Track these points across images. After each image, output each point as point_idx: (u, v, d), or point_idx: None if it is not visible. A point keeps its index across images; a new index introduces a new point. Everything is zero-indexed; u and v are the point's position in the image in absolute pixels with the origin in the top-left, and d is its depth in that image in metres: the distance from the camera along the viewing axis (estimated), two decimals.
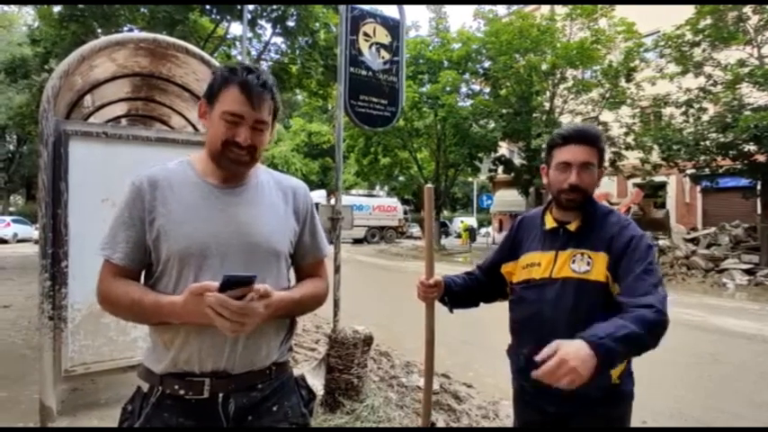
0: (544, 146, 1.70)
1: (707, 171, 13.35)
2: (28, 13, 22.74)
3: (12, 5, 25.26)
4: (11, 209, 31.59)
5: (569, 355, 1.06)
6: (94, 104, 4.54)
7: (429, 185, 1.68)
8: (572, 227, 1.48)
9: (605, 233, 1.42)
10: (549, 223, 1.54)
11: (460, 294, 1.67)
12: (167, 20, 10.72)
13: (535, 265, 1.50)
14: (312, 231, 1.32)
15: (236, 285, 0.96)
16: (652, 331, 1.17)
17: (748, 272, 11.11)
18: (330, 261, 1.45)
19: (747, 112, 11.44)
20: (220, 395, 1.12)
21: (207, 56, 3.34)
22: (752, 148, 11.57)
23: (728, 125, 11.54)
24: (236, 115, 1.11)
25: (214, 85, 1.14)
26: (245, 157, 1.14)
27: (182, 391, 1.11)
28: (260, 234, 1.17)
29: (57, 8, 11.75)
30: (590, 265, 1.40)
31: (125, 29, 11.41)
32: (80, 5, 10.85)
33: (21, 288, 8.64)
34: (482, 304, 1.76)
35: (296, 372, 1.35)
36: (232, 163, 1.15)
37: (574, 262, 1.43)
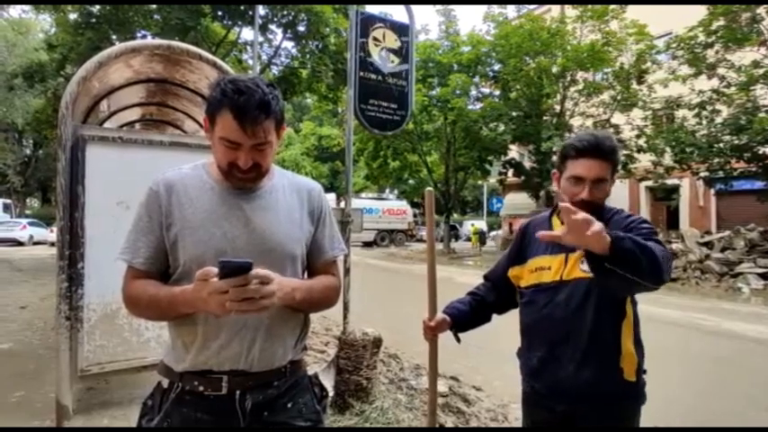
0: (555, 148, 1.70)
1: (721, 174, 13.20)
2: (45, 20, 23.18)
3: (26, 10, 25.80)
4: (27, 212, 32.13)
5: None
6: (110, 109, 4.63)
7: (429, 189, 1.64)
8: None
9: (612, 230, 1.43)
10: (558, 227, 1.53)
11: (468, 321, 1.67)
12: (180, 26, 10.90)
13: (545, 269, 1.51)
14: (325, 231, 1.33)
15: (235, 272, 0.96)
16: (654, 255, 1.16)
17: (764, 276, 10.91)
18: (340, 264, 1.47)
19: (762, 114, 11.30)
20: (238, 392, 1.15)
21: (219, 61, 3.39)
22: (767, 150, 11.40)
23: (743, 127, 11.40)
24: (233, 142, 1.10)
25: (209, 107, 1.13)
26: (250, 175, 1.15)
27: (201, 388, 1.14)
28: (275, 239, 1.19)
29: (73, 15, 12.00)
30: None
31: (139, 35, 11.61)
32: (95, 12, 11.07)
33: (36, 289, 8.80)
34: (494, 315, 1.76)
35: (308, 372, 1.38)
36: (239, 181, 1.16)
37: (583, 263, 1.43)
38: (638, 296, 1.49)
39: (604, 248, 1.08)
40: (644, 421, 1.50)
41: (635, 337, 1.44)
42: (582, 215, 1.07)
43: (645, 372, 1.47)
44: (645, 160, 15.29)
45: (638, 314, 1.48)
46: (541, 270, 1.52)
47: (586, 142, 1.41)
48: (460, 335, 1.69)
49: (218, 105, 1.09)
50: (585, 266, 1.42)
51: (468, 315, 1.67)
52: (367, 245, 25.56)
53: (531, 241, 1.60)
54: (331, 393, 3.24)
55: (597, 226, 1.07)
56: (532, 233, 1.62)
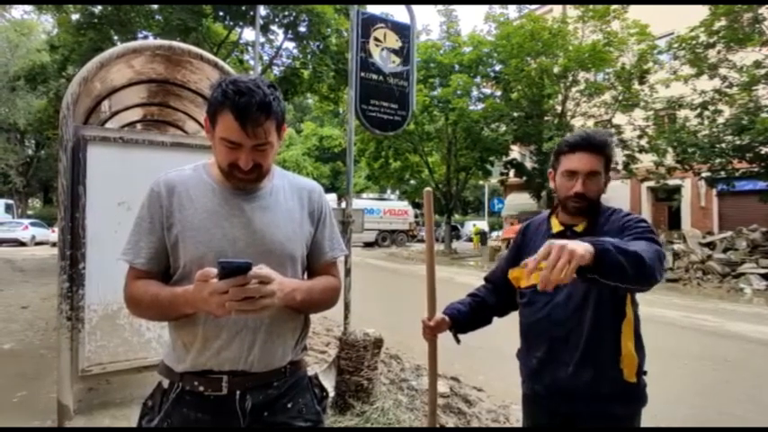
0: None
1: (723, 174, 13.16)
2: (47, 21, 23.24)
3: (29, 11, 25.86)
4: (29, 212, 32.19)
5: (563, 243, 1.05)
6: (111, 110, 4.64)
7: (428, 189, 1.64)
8: (579, 228, 1.49)
9: (610, 229, 1.44)
10: (556, 227, 1.54)
11: (468, 322, 1.67)
12: (181, 27, 10.91)
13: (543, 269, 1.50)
14: (325, 232, 1.33)
15: (235, 273, 0.97)
16: (641, 260, 1.12)
17: (766, 277, 10.88)
18: (341, 264, 1.47)
19: (764, 114, 11.28)
20: (238, 392, 1.15)
21: (220, 62, 3.40)
22: None
23: (745, 127, 11.38)
24: (234, 143, 1.10)
25: (210, 108, 1.13)
26: (251, 176, 1.15)
27: (201, 388, 1.15)
28: (276, 240, 1.19)
29: (75, 16, 12.02)
30: None
31: (140, 36, 11.63)
32: (97, 12, 11.10)
33: (38, 290, 8.81)
34: (495, 318, 1.76)
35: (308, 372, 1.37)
36: (240, 182, 1.16)
37: None
38: (639, 297, 1.49)
39: (588, 261, 1.06)
40: (645, 422, 1.50)
41: (635, 337, 1.44)
42: (543, 250, 1.06)
43: (645, 373, 1.47)
44: (646, 161, 15.25)
45: (638, 315, 1.47)
46: (540, 270, 1.51)
47: (578, 137, 1.46)
48: (461, 336, 1.69)
49: (219, 106, 1.09)
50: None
51: (469, 316, 1.67)
52: (368, 245, 25.56)
53: (531, 242, 1.60)
54: (332, 394, 3.23)
55: (567, 251, 1.03)
56: (532, 234, 1.63)
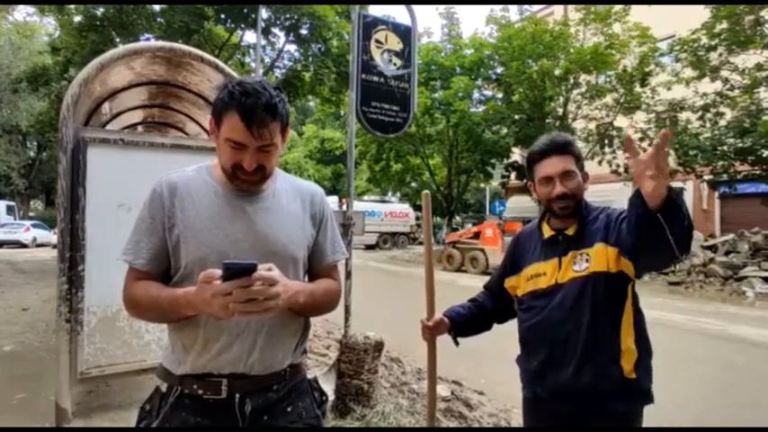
0: None
1: (725, 177, 13.13)
2: (49, 23, 23.32)
3: (31, 13, 25.95)
4: (30, 214, 32.23)
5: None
6: (112, 112, 4.64)
7: (426, 192, 1.66)
8: (570, 231, 1.51)
9: (598, 227, 1.46)
10: (547, 232, 1.57)
11: (467, 326, 1.69)
12: (183, 29, 10.94)
13: (540, 275, 1.52)
14: (327, 235, 1.32)
15: (239, 274, 0.96)
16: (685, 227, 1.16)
17: None
18: (341, 267, 1.46)
19: (766, 117, 11.24)
20: (237, 395, 1.14)
21: (221, 64, 3.39)
22: None
23: (747, 130, 11.36)
24: (238, 143, 1.10)
25: (216, 109, 1.13)
26: (255, 178, 1.15)
27: (200, 391, 1.13)
28: (278, 242, 1.19)
29: (77, 18, 12.07)
30: (588, 262, 1.43)
31: (142, 38, 11.65)
32: (99, 14, 11.13)
33: (39, 291, 8.81)
34: (494, 325, 1.77)
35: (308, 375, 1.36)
36: (243, 183, 1.16)
37: (575, 264, 1.45)
38: (640, 299, 1.48)
39: (661, 195, 1.10)
40: (650, 425, 1.48)
41: (636, 333, 1.43)
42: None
43: (650, 369, 1.45)
44: None
45: (640, 310, 1.47)
46: (537, 277, 1.53)
47: (543, 144, 1.52)
48: (460, 339, 1.70)
49: (225, 107, 1.10)
50: (577, 266, 1.44)
51: (468, 319, 1.69)
52: (369, 248, 25.54)
53: (524, 250, 1.62)
54: (332, 397, 3.21)
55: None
56: (524, 241, 1.64)
